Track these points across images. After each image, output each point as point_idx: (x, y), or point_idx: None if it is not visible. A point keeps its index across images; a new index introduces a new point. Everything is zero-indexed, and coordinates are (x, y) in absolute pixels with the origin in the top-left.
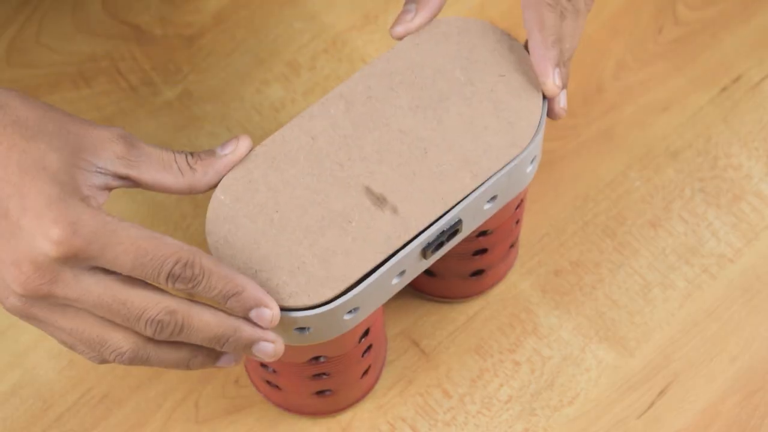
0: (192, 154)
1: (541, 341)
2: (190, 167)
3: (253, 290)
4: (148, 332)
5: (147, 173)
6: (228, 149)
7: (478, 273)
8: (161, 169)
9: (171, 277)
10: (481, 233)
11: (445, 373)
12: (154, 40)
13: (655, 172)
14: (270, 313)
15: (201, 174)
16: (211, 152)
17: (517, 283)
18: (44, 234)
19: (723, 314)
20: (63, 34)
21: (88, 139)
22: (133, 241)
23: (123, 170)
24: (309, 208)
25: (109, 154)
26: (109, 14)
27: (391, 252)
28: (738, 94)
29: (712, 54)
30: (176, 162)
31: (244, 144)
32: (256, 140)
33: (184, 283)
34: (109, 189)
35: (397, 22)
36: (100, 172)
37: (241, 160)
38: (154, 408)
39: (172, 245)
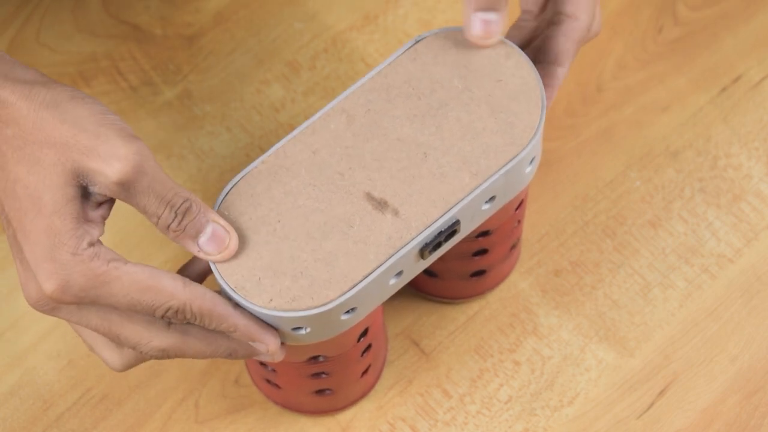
0: (184, 215)
1: (541, 341)
2: (171, 231)
3: (245, 329)
4: (147, 358)
5: (134, 207)
6: (212, 248)
7: (479, 273)
8: (145, 214)
9: (165, 318)
10: (482, 234)
11: (445, 373)
12: (154, 40)
13: (655, 172)
14: (264, 347)
15: (172, 238)
16: (194, 233)
17: (517, 283)
18: (41, 283)
19: (723, 314)
20: (63, 34)
21: (88, 171)
22: (126, 293)
23: (113, 197)
24: (310, 216)
25: (103, 188)
26: (109, 14)
27: (393, 252)
28: (738, 94)
29: (712, 54)
30: (160, 220)
31: (227, 255)
32: (256, 140)
33: (180, 323)
34: (106, 213)
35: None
36: (95, 201)
37: (244, 177)
38: (154, 408)
39: (165, 293)
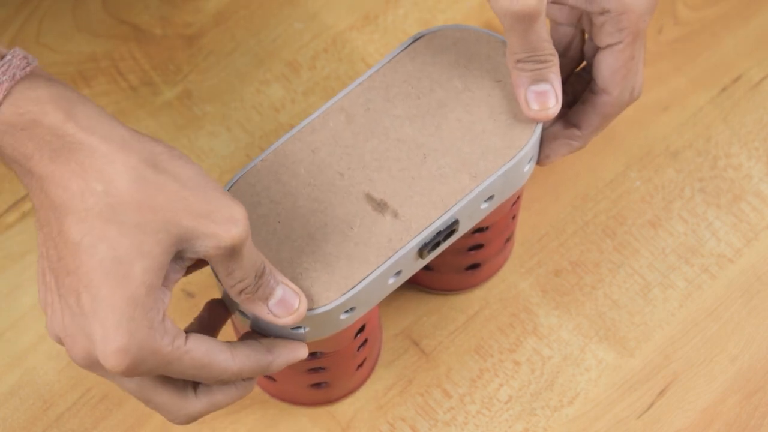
0: (260, 279)
1: (541, 341)
2: (244, 294)
3: (283, 361)
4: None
5: (221, 270)
6: (282, 311)
7: (474, 266)
8: (228, 277)
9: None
10: (478, 230)
11: (445, 373)
12: (154, 40)
13: (655, 172)
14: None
15: (242, 301)
16: (265, 296)
17: (517, 283)
18: (102, 352)
19: (723, 314)
20: (63, 34)
21: (196, 236)
22: (183, 371)
23: (211, 262)
24: (311, 217)
25: (208, 253)
26: (109, 14)
27: (393, 253)
28: (738, 94)
29: (712, 54)
30: (241, 284)
31: (297, 318)
32: (256, 140)
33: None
34: (181, 277)
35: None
36: (182, 267)
37: (243, 176)
38: None
39: (218, 369)
